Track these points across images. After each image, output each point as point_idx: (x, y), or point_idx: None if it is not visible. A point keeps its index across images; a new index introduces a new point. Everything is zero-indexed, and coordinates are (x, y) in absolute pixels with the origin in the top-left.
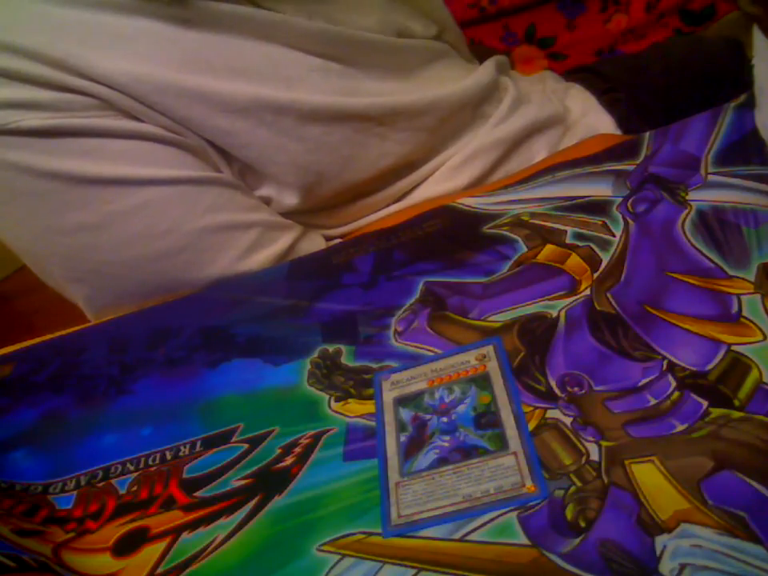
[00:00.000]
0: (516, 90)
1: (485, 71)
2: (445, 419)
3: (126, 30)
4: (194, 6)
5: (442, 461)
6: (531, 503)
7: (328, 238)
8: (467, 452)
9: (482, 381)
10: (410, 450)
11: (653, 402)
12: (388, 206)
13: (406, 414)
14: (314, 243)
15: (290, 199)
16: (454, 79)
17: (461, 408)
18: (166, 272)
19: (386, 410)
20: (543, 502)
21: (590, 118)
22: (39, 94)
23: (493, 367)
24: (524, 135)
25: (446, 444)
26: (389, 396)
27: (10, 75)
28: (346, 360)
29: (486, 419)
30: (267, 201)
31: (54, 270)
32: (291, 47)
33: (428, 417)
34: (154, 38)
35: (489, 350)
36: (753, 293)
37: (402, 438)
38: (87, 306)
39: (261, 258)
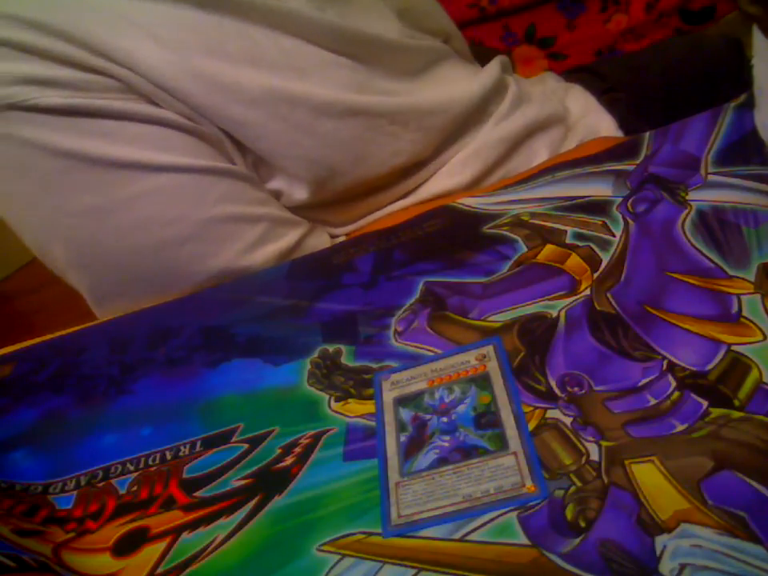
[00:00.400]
0: (517, 88)
1: (491, 71)
2: (445, 419)
3: (149, 14)
4: None
5: (441, 461)
6: (531, 503)
7: (333, 237)
8: (467, 452)
9: (482, 381)
10: (410, 450)
11: (653, 401)
12: (392, 203)
13: (405, 413)
14: (320, 241)
15: (301, 193)
16: (460, 80)
17: (461, 408)
18: (169, 261)
19: (386, 410)
20: (543, 501)
21: (590, 119)
22: (60, 72)
23: (493, 367)
24: (525, 134)
25: (446, 444)
26: (389, 396)
27: (32, 51)
28: (346, 360)
29: (486, 419)
30: (278, 194)
31: (58, 254)
32: (305, 40)
33: (428, 417)
34: (176, 22)
35: (489, 349)
36: (753, 293)
37: (402, 438)
38: (89, 294)
39: (266, 252)
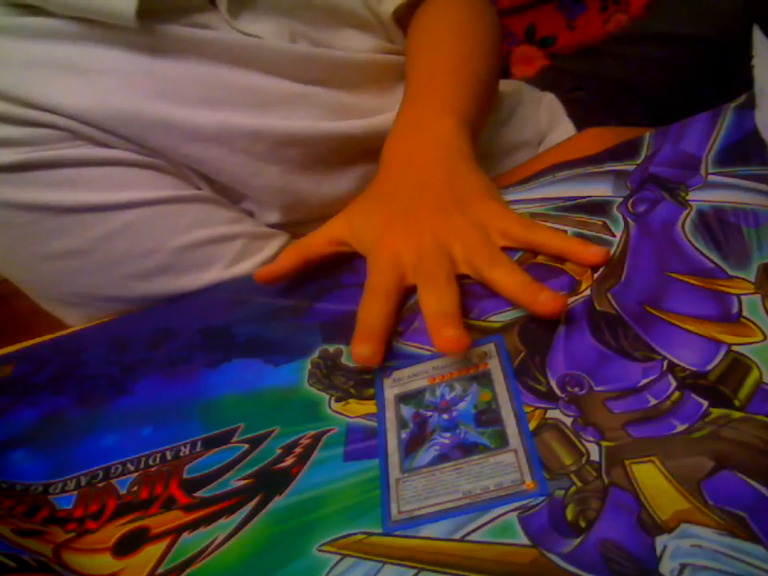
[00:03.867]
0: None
1: None
2: (446, 416)
3: (99, 62)
4: (165, 33)
5: (442, 457)
6: (532, 503)
7: None
8: (468, 449)
9: (483, 378)
10: (410, 447)
11: (653, 402)
12: None
13: (407, 410)
14: None
15: (271, 217)
16: None
17: (462, 405)
18: (154, 288)
19: (388, 407)
20: (543, 502)
21: (555, 135)
22: (9, 131)
23: (494, 365)
24: (502, 151)
25: (447, 441)
26: (390, 393)
27: None
28: (346, 360)
29: (487, 416)
30: (250, 214)
31: (50, 294)
32: (271, 73)
33: (429, 414)
34: (127, 69)
35: (490, 347)
36: (753, 293)
37: (403, 435)
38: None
39: (247, 266)
